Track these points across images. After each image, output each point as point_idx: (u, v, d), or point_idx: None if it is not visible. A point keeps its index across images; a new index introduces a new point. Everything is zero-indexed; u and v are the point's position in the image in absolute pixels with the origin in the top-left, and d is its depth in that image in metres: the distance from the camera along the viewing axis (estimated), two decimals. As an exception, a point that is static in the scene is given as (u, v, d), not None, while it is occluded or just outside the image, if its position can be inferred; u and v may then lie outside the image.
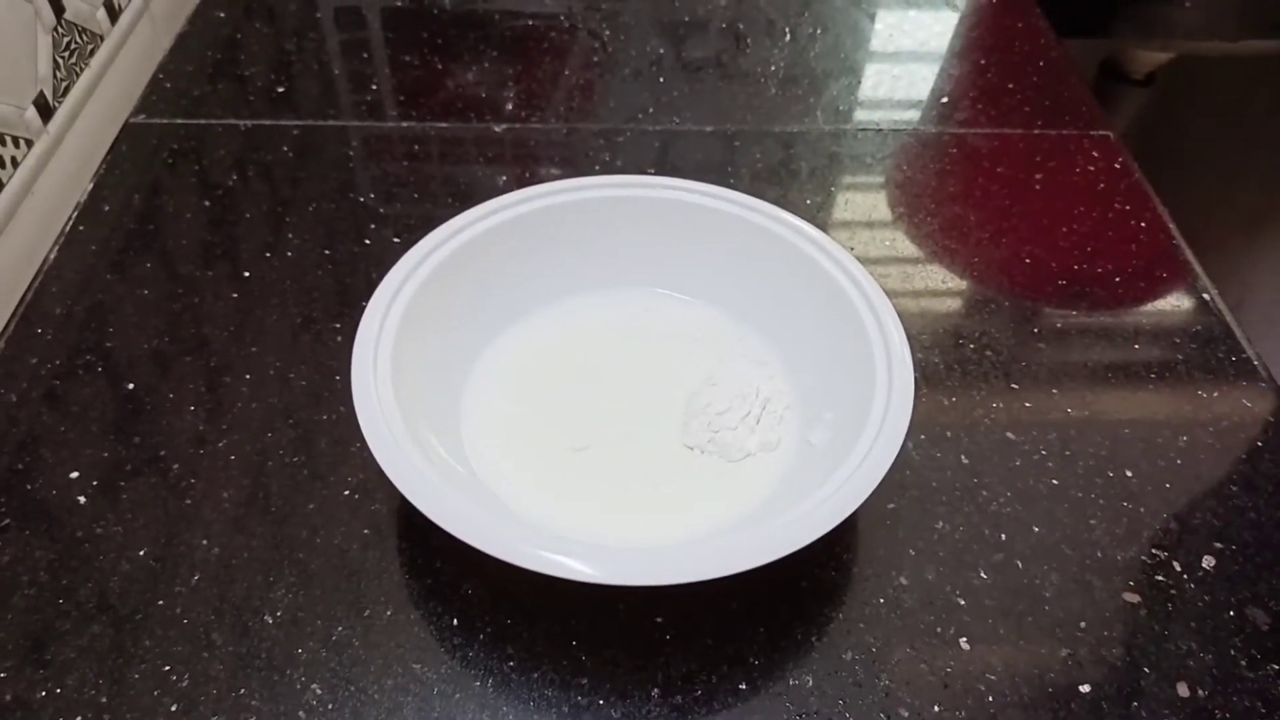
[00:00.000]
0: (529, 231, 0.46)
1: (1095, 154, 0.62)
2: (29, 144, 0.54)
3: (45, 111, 0.55)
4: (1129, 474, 0.44)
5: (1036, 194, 0.59)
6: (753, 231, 0.46)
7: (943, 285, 0.54)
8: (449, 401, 0.44)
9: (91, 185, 0.57)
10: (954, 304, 0.53)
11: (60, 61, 0.57)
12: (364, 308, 0.51)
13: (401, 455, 0.35)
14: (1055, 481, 0.44)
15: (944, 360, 0.49)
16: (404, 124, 0.63)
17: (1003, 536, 0.42)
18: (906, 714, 0.36)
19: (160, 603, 0.39)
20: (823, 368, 0.43)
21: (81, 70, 0.59)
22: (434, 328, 0.43)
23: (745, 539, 0.34)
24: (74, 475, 0.43)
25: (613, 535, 0.40)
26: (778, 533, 0.33)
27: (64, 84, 0.57)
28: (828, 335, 0.43)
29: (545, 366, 0.46)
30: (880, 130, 0.64)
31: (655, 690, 0.37)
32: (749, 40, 0.71)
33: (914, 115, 0.66)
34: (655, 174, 0.60)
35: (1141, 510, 0.43)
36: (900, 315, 0.41)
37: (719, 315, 0.48)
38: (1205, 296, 0.53)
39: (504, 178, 0.59)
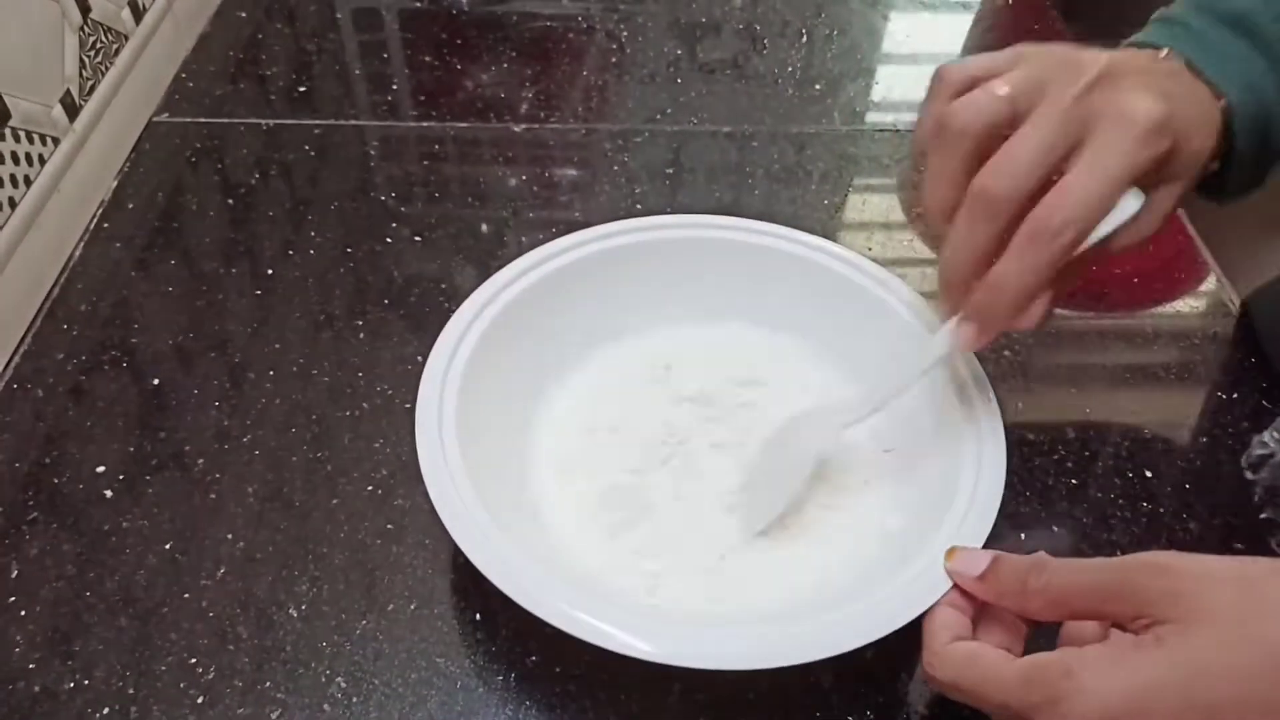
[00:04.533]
0: (596, 273, 0.45)
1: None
2: (55, 142, 0.55)
3: (71, 110, 0.56)
4: (1148, 474, 0.44)
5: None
6: (856, 294, 0.44)
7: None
8: (515, 435, 0.43)
9: (116, 183, 0.57)
10: (972, 304, 0.53)
11: (86, 60, 0.58)
12: (386, 304, 0.51)
13: (462, 509, 0.35)
14: (1074, 481, 0.44)
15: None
16: (423, 124, 0.63)
17: (1022, 536, 0.42)
18: (926, 712, 0.36)
19: (185, 596, 0.39)
20: (908, 443, 0.42)
21: (106, 69, 0.60)
22: (502, 366, 0.42)
23: (790, 633, 0.33)
24: (100, 469, 0.43)
25: (672, 601, 0.38)
26: (829, 631, 0.33)
27: (89, 83, 0.58)
28: (923, 414, 0.41)
29: (616, 409, 0.45)
30: (897, 131, 0.64)
31: (677, 685, 0.37)
32: (765, 42, 0.71)
33: (931, 117, 0.66)
34: (672, 174, 0.60)
35: (1161, 511, 0.43)
36: (921, 314, 0.41)
37: (802, 364, 0.46)
38: (1224, 298, 0.53)
39: (523, 176, 0.59)
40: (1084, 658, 0.28)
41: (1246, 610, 0.27)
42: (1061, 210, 0.32)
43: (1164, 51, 0.36)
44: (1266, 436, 0.43)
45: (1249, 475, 0.43)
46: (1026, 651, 0.32)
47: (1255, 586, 0.27)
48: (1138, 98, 0.32)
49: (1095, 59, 0.34)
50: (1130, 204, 0.33)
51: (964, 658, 0.31)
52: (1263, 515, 0.42)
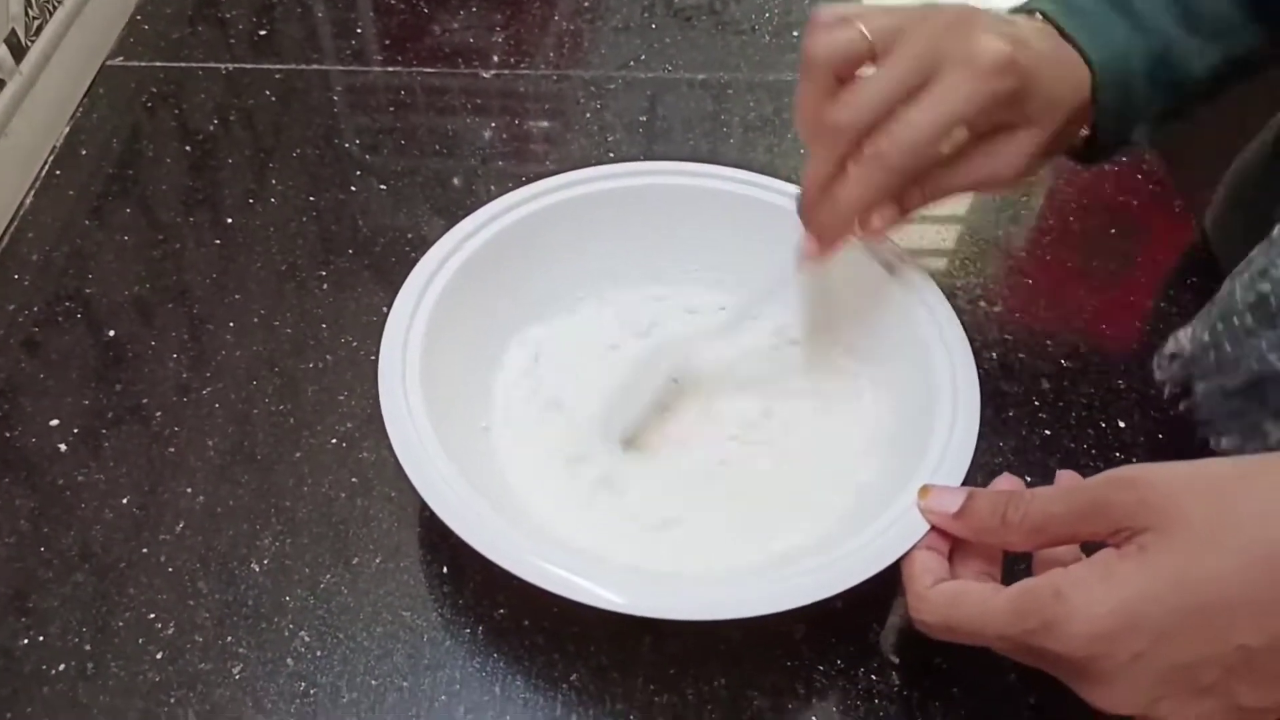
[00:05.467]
0: (562, 221, 0.44)
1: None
2: (1, 84, 0.52)
3: (17, 51, 0.54)
4: (1122, 425, 0.44)
5: (1033, 146, 0.59)
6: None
7: (937, 237, 0.53)
8: (480, 387, 0.42)
9: (68, 129, 0.55)
10: (948, 257, 0.52)
11: (32, -1, 0.55)
12: (350, 255, 0.50)
13: (428, 462, 0.34)
14: (1048, 432, 0.44)
15: (938, 312, 0.49)
16: (389, 69, 0.61)
17: (995, 487, 0.42)
18: (897, 660, 0.36)
19: (144, 551, 0.38)
20: (882, 395, 0.42)
21: (55, 8, 0.57)
22: (467, 317, 0.41)
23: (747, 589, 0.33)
24: (54, 423, 0.42)
25: (641, 552, 0.37)
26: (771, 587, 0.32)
27: (36, 23, 0.56)
28: (897, 365, 0.41)
29: (580, 358, 0.44)
30: (875, 80, 0.63)
31: (647, 637, 0.36)
32: (742, -13, 0.69)
33: (910, 65, 0.65)
34: (646, 122, 0.59)
35: (1134, 460, 0.43)
36: (896, 263, 0.40)
37: (781, 311, 0.45)
38: (1198, 247, 0.53)
39: (492, 125, 0.58)
40: (1072, 577, 0.28)
41: (1219, 515, 0.27)
42: (889, 137, 0.35)
43: (1036, 15, 0.38)
44: (1182, 334, 0.43)
45: (1157, 375, 0.45)
46: (1005, 571, 0.32)
47: (1223, 490, 0.27)
48: (984, 38, 0.34)
49: (955, 8, 0.36)
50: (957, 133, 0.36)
51: (949, 598, 0.31)
52: (1181, 406, 0.44)
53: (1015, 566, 0.33)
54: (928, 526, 0.33)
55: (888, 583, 0.33)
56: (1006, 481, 0.34)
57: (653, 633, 0.36)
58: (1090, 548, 0.30)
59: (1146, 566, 0.27)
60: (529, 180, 0.45)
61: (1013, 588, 0.30)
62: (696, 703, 0.35)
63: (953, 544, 0.33)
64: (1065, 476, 0.33)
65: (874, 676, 0.36)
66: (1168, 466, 0.29)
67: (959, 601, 0.31)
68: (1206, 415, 0.42)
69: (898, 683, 0.36)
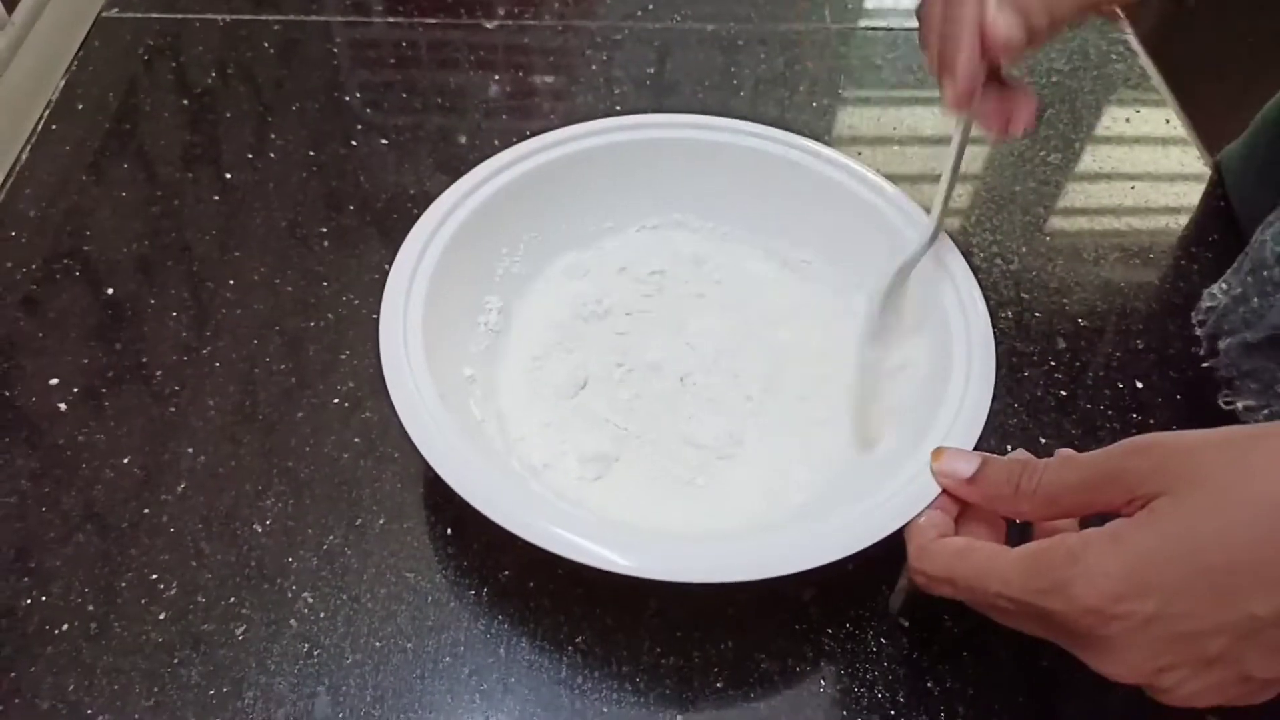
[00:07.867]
0: (565, 176, 0.43)
1: (1113, 56, 0.60)
2: (-6, 36, 0.51)
3: (9, 1, 0.52)
4: (1139, 385, 0.43)
5: (1055, 95, 0.57)
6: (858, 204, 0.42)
7: (955, 195, 0.52)
8: (483, 345, 0.41)
9: (63, 82, 0.54)
10: (964, 215, 0.51)
11: (24, -52, 0.54)
12: (352, 211, 0.49)
13: (430, 422, 0.33)
14: (1064, 393, 0.43)
15: (952, 270, 0.48)
16: (390, 20, 0.60)
17: (1009, 448, 0.41)
18: (906, 623, 0.36)
19: (146, 511, 0.38)
20: (895, 354, 0.40)
21: (47, -41, 0.56)
22: (469, 274, 0.40)
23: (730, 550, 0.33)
24: (53, 382, 0.41)
25: (648, 514, 0.37)
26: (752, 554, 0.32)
27: (29, -27, 0.54)
28: (911, 325, 0.40)
29: (585, 317, 0.43)
30: (890, 30, 0.61)
31: (654, 600, 0.36)
32: (754, -65, 0.67)
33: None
34: (654, 72, 0.57)
35: (1151, 421, 0.42)
36: (911, 219, 0.39)
37: (785, 275, 0.45)
38: (1222, 205, 0.51)
39: (496, 77, 0.56)
40: (1086, 540, 0.27)
41: (1234, 472, 0.26)
42: None
43: None
44: (1217, 287, 0.42)
45: (1198, 331, 0.43)
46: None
47: (1240, 448, 0.26)
48: None
49: None
50: None
51: (956, 551, 0.30)
52: (1205, 363, 0.42)
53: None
54: (939, 489, 0.32)
55: (898, 546, 0.33)
56: (1021, 455, 0.33)
57: (659, 595, 0.36)
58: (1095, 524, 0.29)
59: (1157, 529, 0.26)
60: (533, 131, 0.44)
61: (1022, 548, 0.29)
62: (703, 665, 0.35)
63: (961, 509, 0.33)
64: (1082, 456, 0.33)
65: (883, 640, 0.35)
66: (1184, 433, 0.28)
67: (966, 555, 0.30)
68: (1227, 372, 0.41)
69: (907, 646, 0.35)
